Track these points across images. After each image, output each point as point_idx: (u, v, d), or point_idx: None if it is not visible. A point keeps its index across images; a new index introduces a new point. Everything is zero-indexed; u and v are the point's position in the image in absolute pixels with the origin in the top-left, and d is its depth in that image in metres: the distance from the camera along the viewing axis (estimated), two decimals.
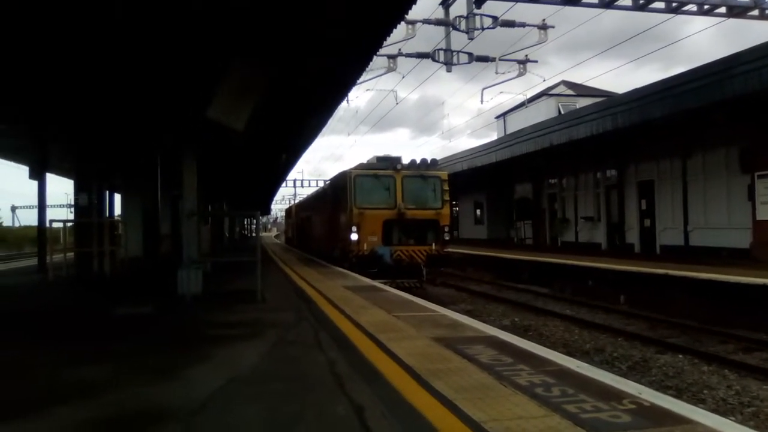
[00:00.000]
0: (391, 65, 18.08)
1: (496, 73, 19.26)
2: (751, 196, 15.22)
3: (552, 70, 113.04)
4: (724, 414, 5.61)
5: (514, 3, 14.25)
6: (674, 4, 15.40)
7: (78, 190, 13.20)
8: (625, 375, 6.92)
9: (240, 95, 8.45)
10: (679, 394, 6.59)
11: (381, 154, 16.48)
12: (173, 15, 7.13)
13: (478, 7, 14.50)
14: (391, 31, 8.73)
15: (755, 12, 15.82)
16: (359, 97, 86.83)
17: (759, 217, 14.91)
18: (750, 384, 7.13)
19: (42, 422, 3.52)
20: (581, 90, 32.24)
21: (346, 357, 4.95)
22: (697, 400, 6.38)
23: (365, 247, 14.51)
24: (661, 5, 15.36)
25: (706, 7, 15.74)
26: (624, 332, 10.32)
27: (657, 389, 5.18)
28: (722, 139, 16.41)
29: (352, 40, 8.47)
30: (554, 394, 3.75)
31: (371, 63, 11.46)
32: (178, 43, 7.98)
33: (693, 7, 15.68)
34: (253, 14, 7.15)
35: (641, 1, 15.07)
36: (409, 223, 14.83)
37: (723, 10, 15.75)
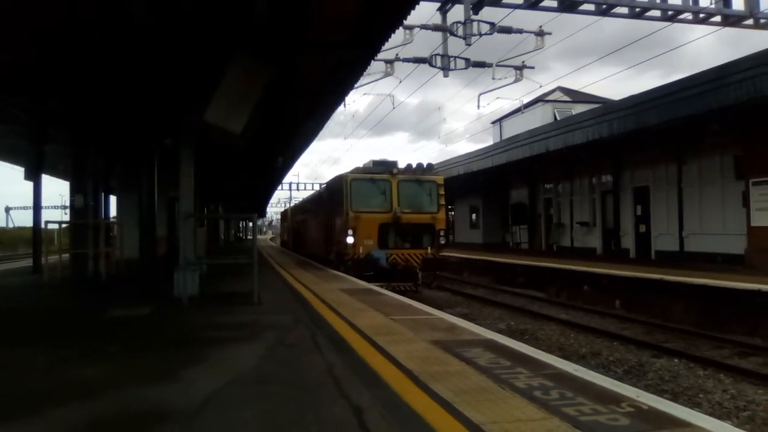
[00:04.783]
0: (389, 69, 18.15)
1: (493, 78, 19.37)
2: (746, 203, 15.31)
3: (552, 75, 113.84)
4: (720, 418, 5.62)
5: (511, 9, 14.33)
6: (670, 13, 15.52)
7: (74, 191, 13.12)
8: (621, 379, 6.95)
9: (238, 98, 8.42)
10: (675, 397, 6.62)
11: (379, 158, 16.51)
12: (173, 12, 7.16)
13: (476, 13, 14.53)
14: (393, 32, 8.79)
15: (750, 21, 15.94)
16: (356, 101, 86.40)
17: (754, 224, 14.99)
18: (745, 388, 7.18)
19: (40, 423, 3.51)
20: (577, 96, 32.35)
21: (345, 359, 4.95)
22: (693, 404, 6.41)
23: (361, 251, 14.51)
24: (657, 14, 15.47)
25: (701, 15, 15.87)
26: (620, 336, 10.36)
27: (653, 393, 5.19)
28: (717, 146, 16.53)
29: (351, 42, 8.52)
30: (553, 397, 3.77)
31: (369, 67, 11.55)
32: (178, 42, 7.98)
33: (688, 16, 15.80)
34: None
35: (637, 10, 15.19)
36: (404, 226, 14.85)
37: (718, 18, 15.87)
